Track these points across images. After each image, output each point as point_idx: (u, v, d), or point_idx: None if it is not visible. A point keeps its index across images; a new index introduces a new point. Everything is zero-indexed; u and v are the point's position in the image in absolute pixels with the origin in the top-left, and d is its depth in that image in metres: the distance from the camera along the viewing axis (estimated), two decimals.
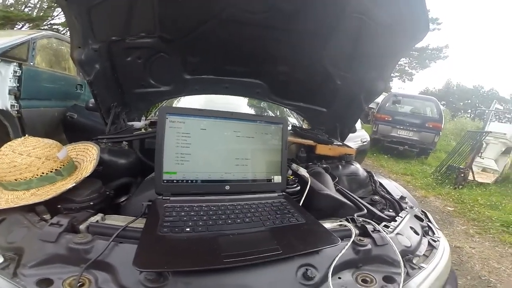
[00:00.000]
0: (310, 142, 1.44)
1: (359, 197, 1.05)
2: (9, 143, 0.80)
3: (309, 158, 1.46)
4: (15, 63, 2.71)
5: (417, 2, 0.95)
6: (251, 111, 2.72)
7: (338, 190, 1.07)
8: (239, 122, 0.84)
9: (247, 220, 0.71)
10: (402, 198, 1.10)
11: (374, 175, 1.33)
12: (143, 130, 1.40)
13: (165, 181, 0.75)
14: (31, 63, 2.95)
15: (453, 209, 4.15)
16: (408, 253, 0.74)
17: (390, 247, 0.71)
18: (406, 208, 1.00)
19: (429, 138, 7.36)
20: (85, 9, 1.03)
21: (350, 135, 1.79)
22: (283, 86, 1.61)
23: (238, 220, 0.70)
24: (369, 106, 1.79)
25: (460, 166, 5.43)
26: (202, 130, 0.80)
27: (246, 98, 2.48)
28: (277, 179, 0.88)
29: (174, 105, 2.46)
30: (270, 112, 2.75)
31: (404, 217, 0.91)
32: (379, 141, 7.75)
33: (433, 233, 0.91)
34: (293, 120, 2.56)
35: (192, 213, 0.68)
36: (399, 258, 0.68)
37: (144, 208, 0.76)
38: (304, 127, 2.09)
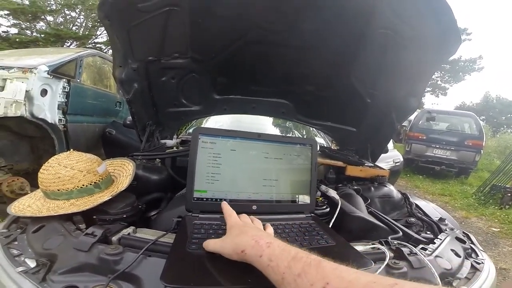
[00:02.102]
0: (340, 163, 1.40)
1: (393, 219, 1.01)
2: (56, 156, 0.87)
3: (338, 179, 1.42)
4: (64, 80, 2.92)
5: (445, 14, 0.92)
6: (277, 130, 2.72)
7: (370, 212, 1.04)
8: (267, 143, 0.85)
9: None
10: (442, 219, 1.05)
11: (409, 196, 1.27)
12: (174, 149, 1.45)
13: (195, 199, 0.76)
14: (78, 80, 3.17)
15: (498, 230, 3.86)
16: (448, 276, 0.70)
17: (428, 270, 0.67)
18: (446, 230, 0.95)
19: (469, 157, 6.84)
20: (125, 29, 1.12)
21: (382, 155, 1.73)
22: (309, 105, 1.60)
23: None
24: (401, 124, 1.72)
25: (507, 185, 5.04)
26: (232, 150, 0.81)
27: (272, 118, 2.49)
28: (306, 200, 0.86)
29: (203, 125, 2.54)
30: (296, 132, 2.73)
31: (444, 239, 0.86)
32: (413, 161, 7.32)
33: (477, 255, 0.86)
34: (320, 140, 2.52)
35: (220, 231, 0.68)
36: (438, 281, 0.64)
37: (174, 223, 0.78)
38: (332, 147, 2.05)
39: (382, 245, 0.77)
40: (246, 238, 0.54)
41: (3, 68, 2.49)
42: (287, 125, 2.77)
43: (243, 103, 1.63)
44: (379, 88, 1.36)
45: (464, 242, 0.90)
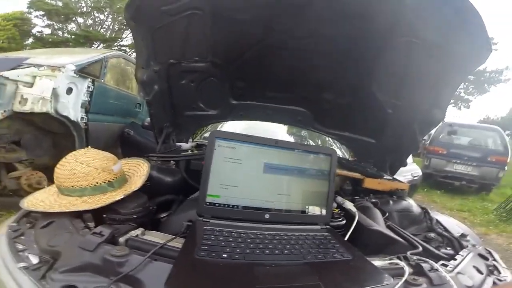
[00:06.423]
0: (357, 174, 1.36)
1: (411, 234, 0.98)
2: (73, 152, 0.88)
3: (355, 191, 1.37)
4: (89, 79, 2.99)
5: (474, 19, 0.87)
6: (291, 139, 2.68)
7: (388, 226, 1.00)
8: (284, 150, 0.82)
9: (286, 252, 0.67)
10: (463, 235, 1.01)
11: (430, 211, 1.22)
12: (189, 152, 1.45)
13: (207, 204, 0.75)
14: (102, 80, 3.24)
15: None
16: None
17: (449, 287, 0.65)
18: (468, 246, 0.92)
19: (491, 174, 6.51)
20: (149, 31, 1.14)
21: (401, 168, 1.66)
22: (327, 114, 1.55)
23: (277, 251, 0.66)
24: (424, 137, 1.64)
25: None
26: (248, 156, 0.79)
27: (287, 126, 2.45)
28: (322, 211, 0.82)
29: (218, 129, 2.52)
30: (310, 141, 2.67)
31: (466, 255, 0.83)
32: (431, 176, 6.99)
33: (499, 272, 0.83)
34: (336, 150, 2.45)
35: (230, 239, 0.66)
36: None
37: (184, 227, 0.76)
38: (348, 158, 1.99)
39: (401, 260, 0.74)
40: None
41: (34, 65, 2.60)
42: (301, 134, 2.72)
43: (259, 109, 1.61)
44: (402, 98, 1.31)
45: (486, 259, 0.87)
